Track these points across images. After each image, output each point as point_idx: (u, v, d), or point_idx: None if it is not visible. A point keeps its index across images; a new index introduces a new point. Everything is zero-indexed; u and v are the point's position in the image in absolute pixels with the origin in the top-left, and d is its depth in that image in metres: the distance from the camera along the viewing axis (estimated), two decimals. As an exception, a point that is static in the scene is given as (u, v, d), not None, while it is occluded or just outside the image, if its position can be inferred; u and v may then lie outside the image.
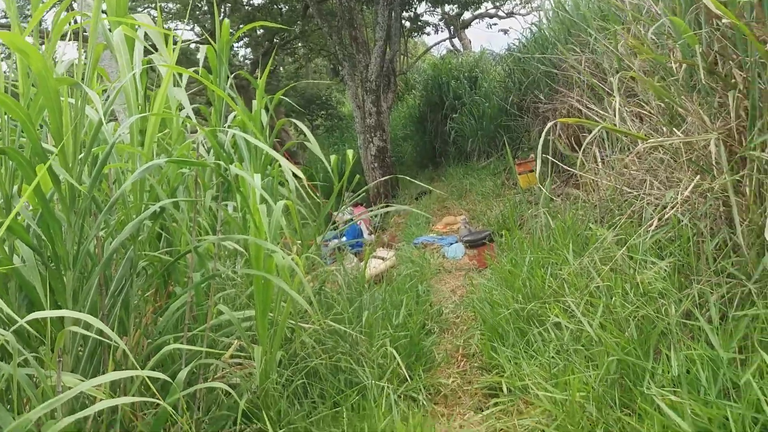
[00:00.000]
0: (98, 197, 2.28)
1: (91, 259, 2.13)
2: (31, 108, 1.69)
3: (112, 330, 2.30)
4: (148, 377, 1.53)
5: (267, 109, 3.55)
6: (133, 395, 1.96)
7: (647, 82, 2.03)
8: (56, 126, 1.62)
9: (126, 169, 2.42)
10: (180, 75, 2.81)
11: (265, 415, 2.27)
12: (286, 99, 4.53)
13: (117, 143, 2.31)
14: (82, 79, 1.87)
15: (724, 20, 1.71)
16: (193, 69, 2.57)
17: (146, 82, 2.65)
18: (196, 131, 2.81)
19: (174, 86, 2.63)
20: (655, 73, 2.68)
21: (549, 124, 2.05)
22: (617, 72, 2.80)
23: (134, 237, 2.23)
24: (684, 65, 2.19)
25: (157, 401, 1.48)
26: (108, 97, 2.50)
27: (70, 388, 1.38)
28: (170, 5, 9.28)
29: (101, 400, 1.52)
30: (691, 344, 2.02)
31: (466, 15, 15.22)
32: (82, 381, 1.45)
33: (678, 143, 1.99)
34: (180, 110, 2.79)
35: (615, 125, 2.13)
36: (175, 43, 2.74)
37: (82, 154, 1.83)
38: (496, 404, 2.60)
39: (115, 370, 2.00)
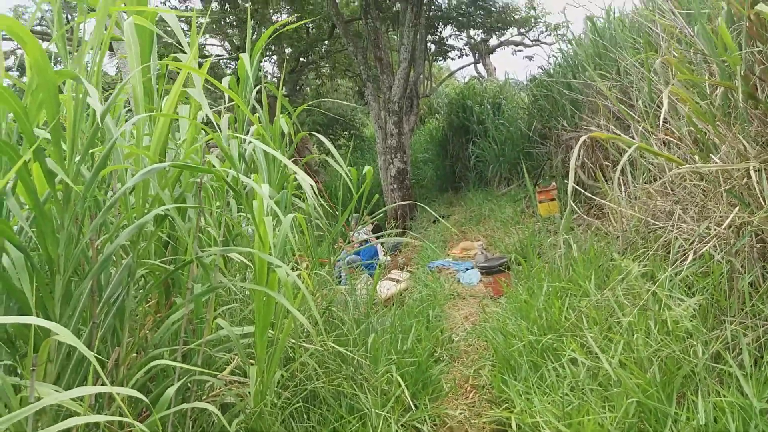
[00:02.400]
0: (101, 199, 2.20)
1: (88, 263, 2.04)
2: (30, 102, 1.61)
3: (105, 340, 2.22)
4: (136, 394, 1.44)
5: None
6: (116, 412, 1.86)
7: (688, 100, 1.89)
8: (53, 121, 1.54)
9: (133, 171, 2.34)
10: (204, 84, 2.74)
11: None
12: (311, 115, 4.48)
13: (124, 146, 2.25)
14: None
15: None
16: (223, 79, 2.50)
17: (164, 83, 2.58)
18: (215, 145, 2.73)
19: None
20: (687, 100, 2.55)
21: (582, 138, 1.90)
22: (648, 97, 2.67)
23: (134, 242, 2.15)
24: (720, 89, 2.06)
25: (137, 421, 1.37)
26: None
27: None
28: (200, 20, 9.42)
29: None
30: (720, 390, 1.85)
31: (492, 41, 15.18)
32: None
33: (715, 171, 1.85)
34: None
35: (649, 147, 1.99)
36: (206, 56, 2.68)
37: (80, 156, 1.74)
38: (504, 441, 2.44)
39: (102, 384, 1.88)
